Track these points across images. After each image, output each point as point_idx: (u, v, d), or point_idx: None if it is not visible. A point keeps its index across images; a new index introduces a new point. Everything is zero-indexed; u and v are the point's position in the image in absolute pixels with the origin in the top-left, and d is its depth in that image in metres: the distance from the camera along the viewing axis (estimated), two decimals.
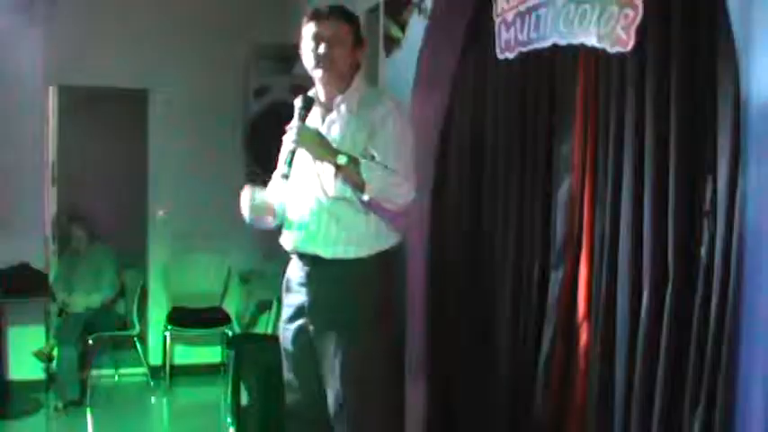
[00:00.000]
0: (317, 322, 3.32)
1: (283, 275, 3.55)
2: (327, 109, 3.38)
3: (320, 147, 3.18)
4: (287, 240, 3.43)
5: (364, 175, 3.11)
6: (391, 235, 3.36)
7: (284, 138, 3.22)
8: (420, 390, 4.72)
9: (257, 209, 3.43)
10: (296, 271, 3.42)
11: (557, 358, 3.62)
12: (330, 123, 3.35)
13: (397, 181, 3.16)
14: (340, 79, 3.33)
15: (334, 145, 3.21)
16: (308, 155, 3.26)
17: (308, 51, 3.31)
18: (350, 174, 3.14)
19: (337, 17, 3.31)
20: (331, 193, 3.25)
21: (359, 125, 3.26)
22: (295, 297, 3.41)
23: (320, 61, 3.27)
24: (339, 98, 3.35)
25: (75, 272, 6.74)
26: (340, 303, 3.27)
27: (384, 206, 3.20)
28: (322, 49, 3.27)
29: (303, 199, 3.35)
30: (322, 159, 3.20)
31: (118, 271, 6.80)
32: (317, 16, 3.30)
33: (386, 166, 3.17)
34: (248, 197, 3.42)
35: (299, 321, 3.38)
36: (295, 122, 3.23)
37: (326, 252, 3.28)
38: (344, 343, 3.26)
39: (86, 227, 6.85)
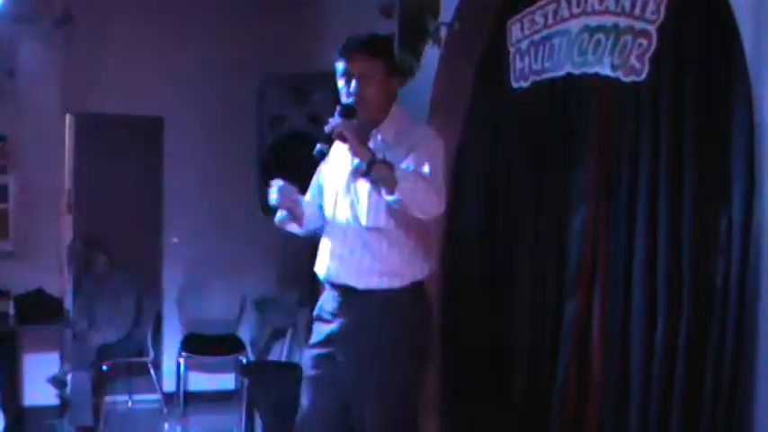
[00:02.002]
0: (349, 352, 3.28)
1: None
2: (365, 140, 3.34)
3: (360, 140, 3.12)
4: (320, 269, 3.40)
5: (398, 173, 3.03)
6: (425, 266, 3.31)
7: (325, 127, 3.14)
8: (434, 423, 4.70)
9: (284, 198, 3.37)
10: (329, 300, 3.38)
11: (571, 387, 3.61)
12: None
13: (428, 188, 3.05)
14: (374, 112, 3.26)
15: None
16: (343, 171, 3.26)
17: (340, 86, 3.27)
18: (383, 170, 3.05)
19: (366, 53, 3.24)
20: (364, 222, 3.23)
21: (396, 154, 3.18)
22: (326, 326, 3.36)
23: (352, 98, 3.22)
24: (375, 129, 3.28)
25: (96, 299, 6.75)
26: (373, 334, 3.22)
27: (412, 212, 3.06)
28: (353, 87, 3.22)
29: (337, 228, 3.32)
30: (358, 153, 3.11)
31: (138, 301, 6.81)
32: (345, 53, 3.24)
33: (421, 175, 3.08)
34: (276, 187, 3.37)
35: (327, 349, 3.34)
36: (336, 118, 3.16)
37: (360, 283, 3.23)
38: (378, 374, 3.21)
39: (108, 253, 6.88)
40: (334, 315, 3.32)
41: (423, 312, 3.35)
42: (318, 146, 3.16)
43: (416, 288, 3.28)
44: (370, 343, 3.23)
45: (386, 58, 3.30)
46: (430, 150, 3.18)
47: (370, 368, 3.23)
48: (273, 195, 3.38)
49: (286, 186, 3.39)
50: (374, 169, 3.07)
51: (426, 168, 3.10)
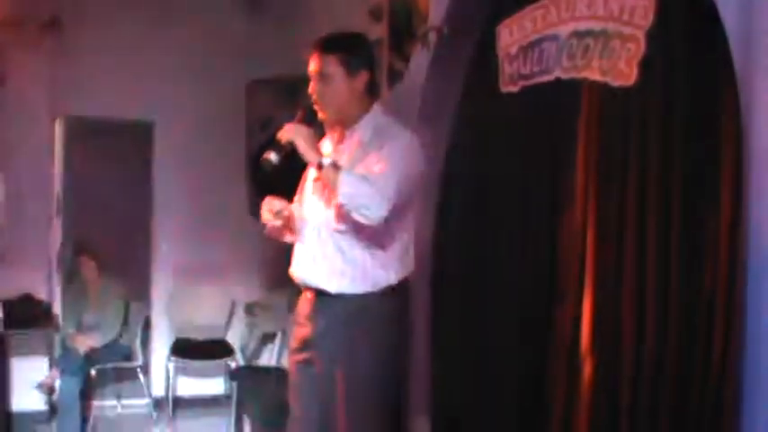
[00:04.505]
0: (323, 356, 3.29)
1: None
2: (341, 139, 3.33)
3: (309, 145, 3.11)
4: (295, 273, 3.40)
5: (339, 178, 3.02)
6: (399, 270, 3.28)
7: (279, 133, 3.15)
8: (423, 428, 4.70)
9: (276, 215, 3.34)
10: (304, 304, 3.39)
11: (560, 392, 3.61)
12: (340, 153, 3.27)
13: (371, 192, 3.02)
14: (341, 111, 3.26)
15: None
16: (315, 190, 3.27)
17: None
18: (329, 177, 3.06)
19: (324, 50, 3.23)
20: (334, 225, 3.24)
21: (369, 153, 3.18)
22: (302, 330, 3.37)
23: (315, 98, 3.24)
24: (350, 129, 3.29)
25: (85, 303, 6.73)
26: (346, 338, 3.21)
27: (355, 216, 3.05)
28: (312, 86, 3.24)
29: (311, 230, 3.32)
30: (307, 156, 3.11)
31: (126, 306, 6.78)
32: (311, 51, 3.25)
33: (366, 178, 3.06)
34: (268, 205, 3.35)
35: (305, 354, 3.35)
36: (294, 121, 3.18)
37: (332, 286, 3.23)
38: (349, 377, 3.20)
39: (97, 257, 6.84)
40: (308, 319, 3.33)
41: (397, 317, 3.32)
42: (267, 153, 3.14)
43: (390, 293, 3.26)
44: (342, 348, 3.22)
45: (342, 55, 3.23)
46: (393, 152, 3.14)
47: (342, 373, 3.22)
48: (266, 214, 3.36)
49: (276, 203, 3.37)
50: (322, 173, 3.09)
51: (377, 168, 3.08)
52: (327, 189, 3.19)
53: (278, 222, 3.37)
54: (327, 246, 3.25)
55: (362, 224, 3.10)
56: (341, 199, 3.04)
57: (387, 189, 3.05)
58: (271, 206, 3.35)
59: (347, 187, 3.02)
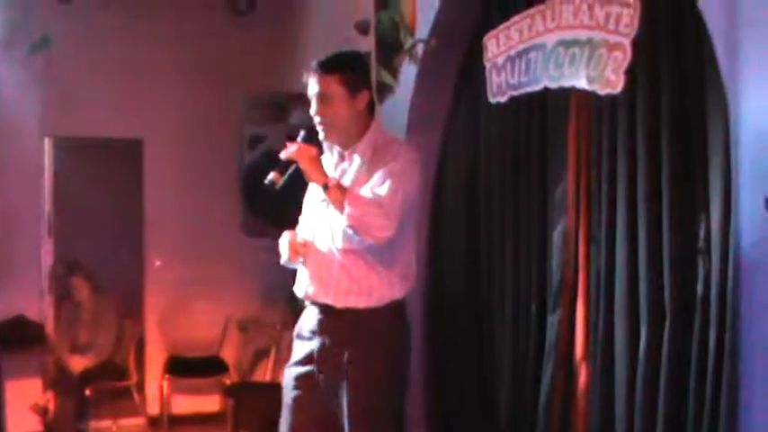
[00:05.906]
0: (327, 371, 3.28)
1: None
2: (341, 158, 3.32)
3: (315, 166, 3.15)
4: (300, 288, 3.39)
5: (346, 199, 3.06)
6: (404, 285, 3.30)
7: (282, 153, 3.18)
8: None
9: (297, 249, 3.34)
10: (308, 319, 3.37)
11: (556, 399, 3.62)
12: (342, 172, 3.28)
13: (378, 212, 3.06)
14: (344, 131, 3.26)
15: None
16: (321, 208, 3.27)
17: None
18: (336, 197, 3.09)
19: (325, 71, 3.21)
20: (339, 244, 3.24)
21: (371, 172, 3.18)
22: (306, 344, 3.35)
23: (316, 119, 3.23)
24: (351, 148, 3.27)
25: (78, 323, 6.71)
26: (350, 353, 3.21)
27: (363, 237, 3.08)
28: (313, 107, 3.22)
29: (316, 249, 3.31)
30: (313, 178, 3.15)
31: (119, 324, 6.76)
32: (310, 72, 3.23)
33: (373, 199, 3.09)
34: (288, 239, 3.36)
35: (307, 368, 3.34)
36: (297, 142, 3.20)
37: (337, 302, 3.24)
38: (354, 392, 3.20)
39: (88, 278, 6.82)
40: (314, 333, 3.32)
41: (401, 331, 3.34)
42: (270, 175, 3.16)
43: (395, 307, 3.28)
44: (346, 363, 3.22)
45: (343, 74, 3.23)
46: (396, 171, 3.15)
47: (347, 388, 3.22)
48: (288, 252, 3.35)
49: (297, 240, 3.36)
50: (328, 194, 3.11)
51: (383, 189, 3.10)
52: (332, 209, 3.20)
53: (301, 260, 3.38)
54: (333, 265, 3.25)
55: (368, 244, 3.12)
56: (348, 220, 3.06)
57: (393, 209, 3.09)
58: (291, 243, 3.34)
59: (354, 208, 3.05)
